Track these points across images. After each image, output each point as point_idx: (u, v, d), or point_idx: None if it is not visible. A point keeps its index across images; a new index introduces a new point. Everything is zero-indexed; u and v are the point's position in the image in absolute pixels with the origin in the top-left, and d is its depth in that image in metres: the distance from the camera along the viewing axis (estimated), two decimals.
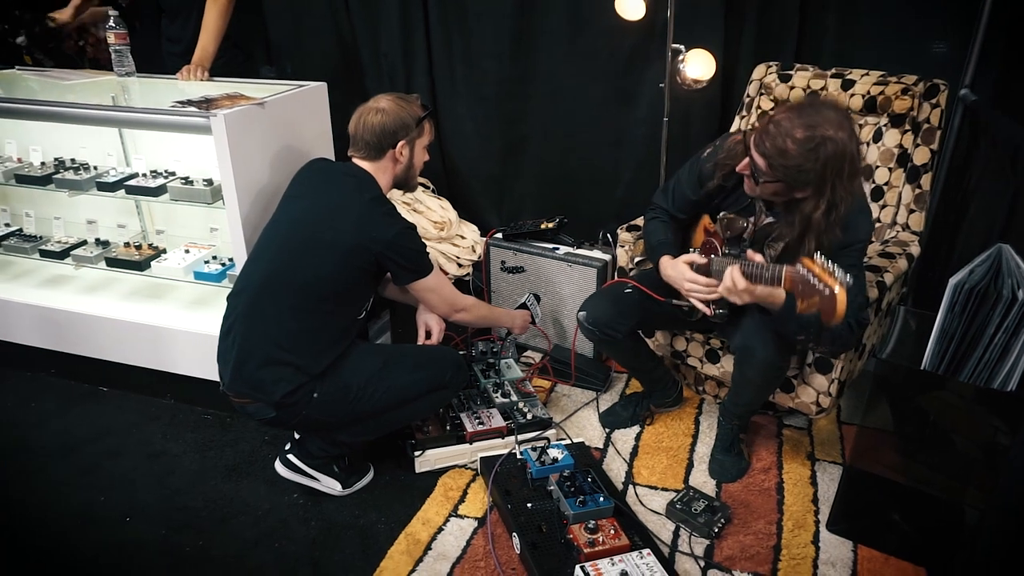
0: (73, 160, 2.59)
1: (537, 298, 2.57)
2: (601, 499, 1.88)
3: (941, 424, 1.84)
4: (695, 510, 1.96)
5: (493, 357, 2.54)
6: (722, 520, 1.95)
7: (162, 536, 1.97)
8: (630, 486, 2.13)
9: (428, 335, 2.23)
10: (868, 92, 2.36)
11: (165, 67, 2.92)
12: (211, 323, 2.24)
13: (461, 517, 2.01)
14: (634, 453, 2.26)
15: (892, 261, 2.17)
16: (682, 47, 2.56)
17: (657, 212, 2.15)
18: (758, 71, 2.64)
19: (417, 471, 2.16)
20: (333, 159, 2.39)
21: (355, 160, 2.00)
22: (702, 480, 2.15)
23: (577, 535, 1.80)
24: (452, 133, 3.43)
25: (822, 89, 2.45)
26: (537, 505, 1.93)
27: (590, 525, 1.82)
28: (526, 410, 2.29)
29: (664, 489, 2.11)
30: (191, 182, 2.35)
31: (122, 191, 2.41)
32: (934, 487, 1.86)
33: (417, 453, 2.15)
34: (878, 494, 1.93)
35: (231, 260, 2.44)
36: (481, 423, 2.22)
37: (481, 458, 2.15)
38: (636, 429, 2.37)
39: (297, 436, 2.10)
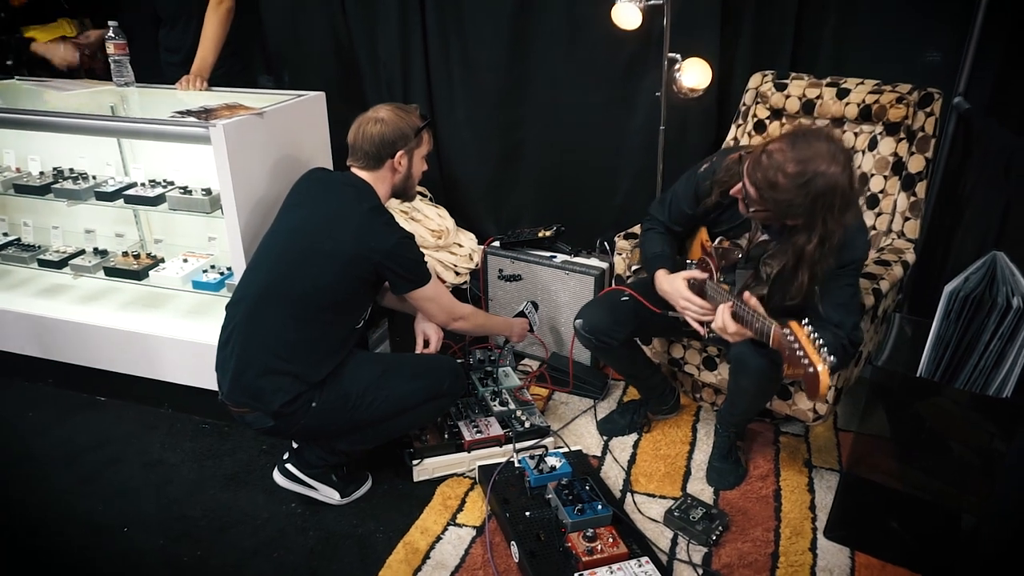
0: (72, 170, 2.59)
1: (535, 306, 2.58)
2: (599, 507, 1.88)
3: (937, 431, 1.85)
4: (693, 518, 1.96)
5: (491, 365, 2.55)
6: (720, 528, 1.95)
7: (160, 546, 1.97)
8: (628, 494, 2.13)
9: (426, 344, 2.23)
10: (863, 101, 2.38)
11: (163, 77, 2.94)
12: (209, 332, 2.25)
13: (459, 526, 2.02)
14: (632, 461, 2.27)
15: (888, 268, 2.18)
16: (678, 56, 2.58)
17: (653, 224, 2.16)
18: (754, 80, 2.66)
19: (415, 480, 2.16)
20: (332, 168, 2.40)
21: (354, 170, 2.01)
22: (700, 488, 2.15)
23: (575, 543, 1.80)
24: (450, 142, 3.45)
25: (817, 98, 2.47)
26: (535, 513, 1.93)
27: (588, 533, 1.82)
28: (524, 418, 2.29)
29: (662, 497, 2.12)
30: (190, 192, 2.35)
31: (121, 200, 2.42)
32: (931, 493, 1.87)
33: (415, 462, 2.16)
34: (875, 501, 1.93)
35: (229, 269, 2.44)
36: (479, 431, 2.22)
37: (479, 466, 2.16)
38: (634, 437, 2.37)
39: (295, 445, 2.10)
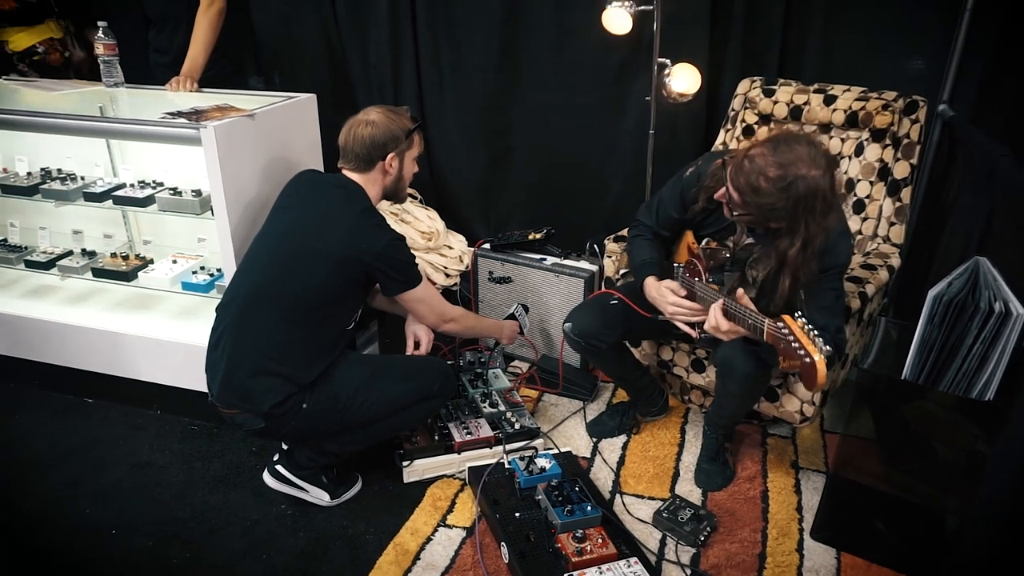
0: (59, 170, 2.57)
1: (525, 308, 2.59)
2: (588, 508, 1.89)
3: (922, 433, 1.87)
4: (681, 519, 1.98)
5: (481, 367, 2.55)
6: (708, 528, 1.97)
7: (150, 548, 1.96)
8: (617, 495, 2.14)
9: (417, 345, 2.24)
10: (850, 107, 2.41)
11: (152, 78, 2.92)
12: (198, 334, 2.24)
13: (449, 527, 2.02)
14: (621, 462, 2.28)
15: (873, 272, 2.21)
16: (668, 61, 2.60)
17: (641, 229, 2.18)
18: (742, 85, 2.69)
19: (405, 481, 2.17)
20: (322, 170, 2.40)
21: (345, 172, 2.01)
22: (688, 489, 2.17)
23: (565, 544, 1.81)
24: (440, 143, 3.45)
25: (805, 104, 2.49)
26: (525, 514, 1.94)
27: (578, 534, 1.83)
28: (514, 420, 2.30)
29: (651, 498, 2.13)
30: (179, 193, 2.34)
31: (109, 201, 2.40)
32: (916, 495, 1.89)
33: (405, 463, 2.16)
34: (861, 502, 1.96)
35: (219, 271, 2.44)
36: (469, 433, 2.23)
37: (469, 468, 2.16)
38: (623, 438, 2.39)
39: (285, 447, 2.10)
